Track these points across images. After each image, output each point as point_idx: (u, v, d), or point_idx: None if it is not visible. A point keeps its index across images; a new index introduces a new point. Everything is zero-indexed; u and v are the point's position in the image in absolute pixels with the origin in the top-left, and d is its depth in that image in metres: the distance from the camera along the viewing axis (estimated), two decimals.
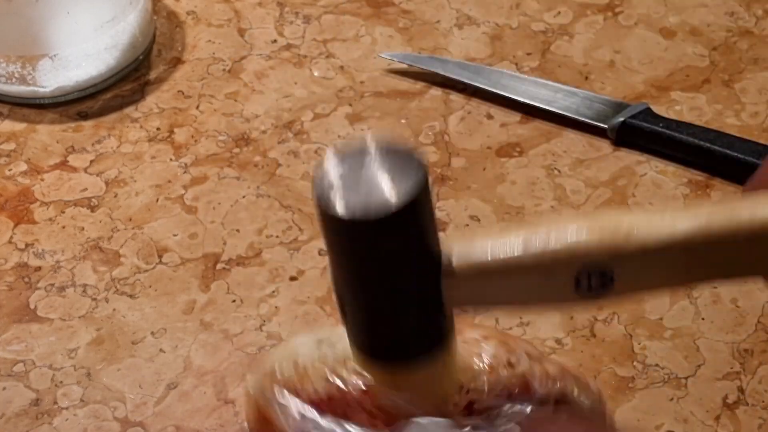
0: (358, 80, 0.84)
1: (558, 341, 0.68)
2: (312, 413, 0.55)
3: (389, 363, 0.53)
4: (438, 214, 0.66)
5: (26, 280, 0.73)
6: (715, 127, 0.79)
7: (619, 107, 0.80)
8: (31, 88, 0.82)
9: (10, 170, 0.79)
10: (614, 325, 0.69)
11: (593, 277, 0.50)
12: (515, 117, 0.81)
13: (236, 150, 0.80)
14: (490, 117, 0.81)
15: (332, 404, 0.55)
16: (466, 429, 0.54)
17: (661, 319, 0.69)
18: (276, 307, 0.71)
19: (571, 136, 0.80)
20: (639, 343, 0.68)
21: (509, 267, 0.51)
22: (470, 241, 0.51)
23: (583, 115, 0.80)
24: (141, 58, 0.85)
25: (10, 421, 0.66)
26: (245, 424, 0.62)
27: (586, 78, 0.84)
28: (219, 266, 0.73)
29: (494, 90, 0.82)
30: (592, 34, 0.87)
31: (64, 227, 0.75)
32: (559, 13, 0.88)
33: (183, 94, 0.83)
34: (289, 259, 0.73)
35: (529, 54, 0.85)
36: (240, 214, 0.76)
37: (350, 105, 0.82)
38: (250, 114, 0.82)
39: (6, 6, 0.78)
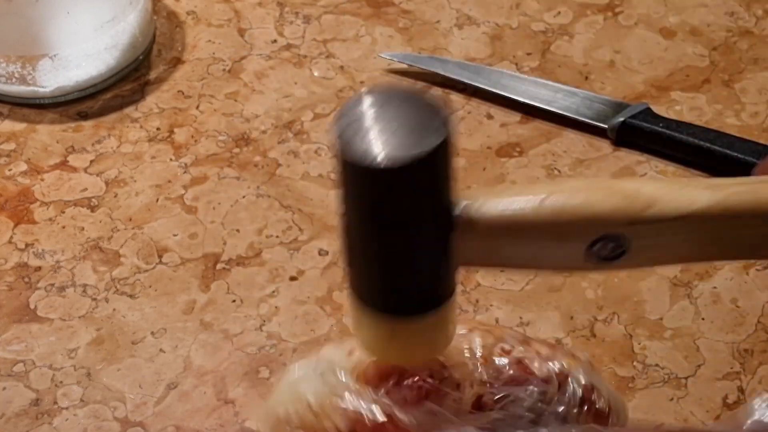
0: (358, 80, 0.84)
1: (558, 341, 0.68)
2: None
3: (390, 316, 0.53)
4: None
5: (26, 280, 0.73)
6: (715, 127, 0.79)
7: (619, 107, 0.80)
8: (31, 88, 0.82)
9: (10, 170, 0.79)
10: (614, 325, 0.69)
11: (607, 244, 0.50)
12: (515, 117, 0.81)
13: (236, 150, 0.80)
14: (490, 117, 0.81)
15: None
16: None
17: (661, 319, 0.69)
18: (276, 307, 0.71)
19: (571, 136, 0.80)
20: (639, 343, 0.68)
21: (523, 227, 0.50)
22: (487, 196, 0.51)
23: (583, 115, 0.80)
24: (141, 58, 0.85)
25: (10, 421, 0.66)
26: None
27: (586, 78, 0.84)
28: (219, 266, 0.73)
29: (494, 90, 0.82)
30: (592, 34, 0.87)
31: (64, 227, 0.75)
32: (559, 13, 0.88)
33: (183, 94, 0.83)
34: (289, 259, 0.73)
35: (529, 54, 0.85)
36: (240, 214, 0.76)
37: None
38: (250, 114, 0.82)
39: (6, 6, 0.78)
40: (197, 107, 0.82)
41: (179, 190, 0.77)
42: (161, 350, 0.69)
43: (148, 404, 0.66)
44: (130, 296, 0.72)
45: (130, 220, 0.76)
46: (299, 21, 0.88)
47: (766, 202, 0.49)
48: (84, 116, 0.82)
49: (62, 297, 0.72)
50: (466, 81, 0.83)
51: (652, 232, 0.50)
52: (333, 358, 0.58)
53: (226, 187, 0.77)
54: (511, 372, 0.57)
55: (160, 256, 0.74)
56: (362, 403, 0.55)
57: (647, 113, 0.79)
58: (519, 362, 0.58)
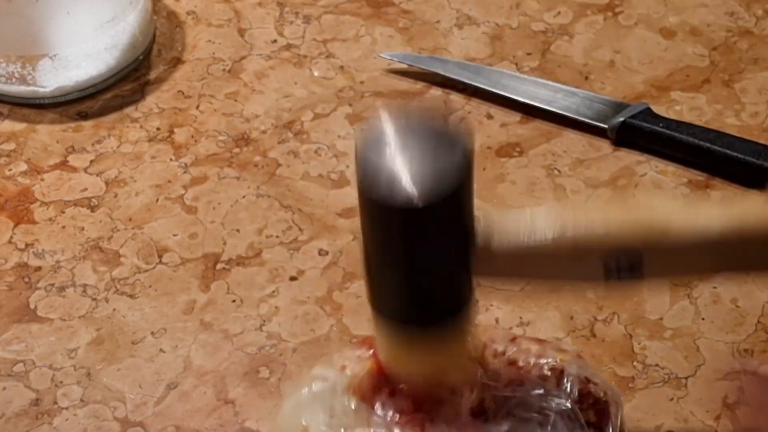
0: (358, 80, 0.84)
1: (558, 341, 0.68)
2: None
3: (411, 327, 0.53)
4: None
5: (26, 280, 0.73)
6: (715, 127, 0.79)
7: (619, 107, 0.80)
8: (31, 88, 0.82)
9: (10, 170, 0.79)
10: (614, 325, 0.69)
11: (623, 264, 0.51)
12: (515, 117, 0.81)
13: (236, 150, 0.80)
14: (490, 117, 0.81)
15: None
16: None
17: (661, 319, 0.69)
18: (276, 307, 0.71)
19: (571, 136, 0.80)
20: (639, 343, 0.68)
21: (541, 249, 0.52)
22: (506, 219, 0.52)
23: (583, 115, 0.80)
24: (141, 58, 0.85)
25: (10, 421, 0.66)
26: None
27: (586, 78, 0.84)
28: (219, 266, 0.73)
29: (494, 90, 0.82)
30: (592, 34, 0.87)
31: (64, 227, 0.75)
32: (559, 13, 0.88)
33: (183, 94, 0.83)
34: (289, 259, 0.73)
35: (529, 54, 0.85)
36: (240, 214, 0.76)
37: (350, 105, 0.82)
38: (250, 114, 0.82)
39: (6, 6, 0.78)
40: (197, 107, 0.82)
41: (179, 190, 0.77)
42: (161, 350, 0.69)
43: (148, 404, 0.66)
44: (130, 296, 0.72)
45: (130, 220, 0.76)
46: (299, 21, 0.88)
47: None
48: (84, 116, 0.82)
49: (62, 297, 0.72)
50: (466, 81, 0.83)
51: (668, 255, 0.52)
52: (326, 377, 0.58)
53: (226, 187, 0.77)
54: (510, 373, 0.57)
55: (160, 256, 0.74)
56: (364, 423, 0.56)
57: (647, 113, 0.79)
58: (513, 362, 0.58)
